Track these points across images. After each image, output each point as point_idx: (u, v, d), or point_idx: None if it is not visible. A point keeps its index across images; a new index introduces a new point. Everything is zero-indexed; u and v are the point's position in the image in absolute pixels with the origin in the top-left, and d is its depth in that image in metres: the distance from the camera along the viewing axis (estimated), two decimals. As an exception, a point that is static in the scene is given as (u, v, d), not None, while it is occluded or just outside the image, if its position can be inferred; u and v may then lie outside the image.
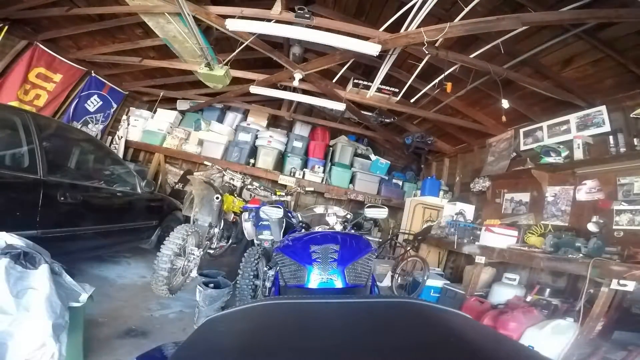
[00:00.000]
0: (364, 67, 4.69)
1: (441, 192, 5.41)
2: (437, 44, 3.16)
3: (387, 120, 5.30)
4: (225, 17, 3.20)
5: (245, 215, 3.68)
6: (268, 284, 2.19)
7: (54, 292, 1.39)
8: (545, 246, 2.76)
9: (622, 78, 2.89)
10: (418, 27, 2.95)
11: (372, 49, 3.03)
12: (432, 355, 0.40)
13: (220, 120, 6.51)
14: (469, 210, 4.58)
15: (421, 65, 3.67)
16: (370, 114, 5.27)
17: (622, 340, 2.24)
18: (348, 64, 4.11)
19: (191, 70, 4.45)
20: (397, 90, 4.37)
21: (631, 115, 2.83)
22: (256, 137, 6.14)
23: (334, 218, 2.19)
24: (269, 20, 3.14)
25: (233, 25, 3.12)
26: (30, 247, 1.51)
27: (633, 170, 2.75)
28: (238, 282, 2.46)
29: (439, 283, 3.85)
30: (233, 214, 4.05)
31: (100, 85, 5.42)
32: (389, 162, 6.64)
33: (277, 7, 3.08)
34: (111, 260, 3.51)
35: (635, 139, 2.72)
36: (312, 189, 5.15)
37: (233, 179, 4.14)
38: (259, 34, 3.37)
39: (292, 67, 4.02)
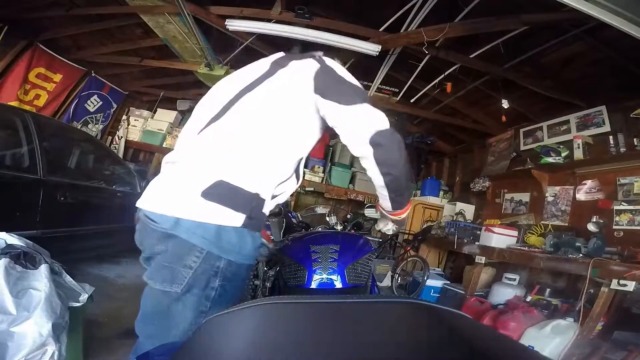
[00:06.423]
0: (364, 67, 4.68)
1: (441, 192, 5.40)
2: (437, 44, 3.16)
3: (387, 120, 5.29)
4: (225, 17, 3.20)
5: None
6: (268, 284, 2.19)
7: (54, 292, 1.39)
8: (545, 246, 2.76)
9: (622, 78, 2.89)
10: (418, 27, 2.95)
11: (372, 48, 3.04)
12: (432, 355, 0.40)
13: (220, 120, 6.49)
14: (469, 210, 4.58)
15: (421, 65, 3.67)
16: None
17: (622, 340, 2.24)
18: (348, 64, 4.10)
19: (191, 70, 4.45)
20: (397, 90, 4.37)
21: (631, 115, 2.83)
22: (256, 137, 6.11)
23: (334, 218, 2.19)
24: (269, 20, 3.14)
25: (233, 25, 3.13)
26: (30, 247, 1.51)
27: (633, 170, 2.75)
28: (238, 282, 2.45)
29: (439, 283, 3.85)
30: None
31: (100, 85, 5.42)
32: (389, 162, 6.61)
33: (277, 7, 3.08)
34: (111, 260, 3.51)
35: (635, 139, 2.72)
36: (312, 189, 5.14)
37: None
38: (259, 34, 3.37)
39: (292, 67, 4.01)
